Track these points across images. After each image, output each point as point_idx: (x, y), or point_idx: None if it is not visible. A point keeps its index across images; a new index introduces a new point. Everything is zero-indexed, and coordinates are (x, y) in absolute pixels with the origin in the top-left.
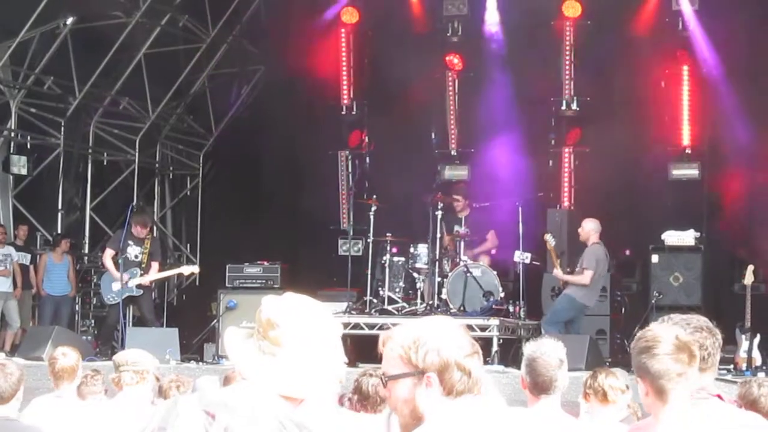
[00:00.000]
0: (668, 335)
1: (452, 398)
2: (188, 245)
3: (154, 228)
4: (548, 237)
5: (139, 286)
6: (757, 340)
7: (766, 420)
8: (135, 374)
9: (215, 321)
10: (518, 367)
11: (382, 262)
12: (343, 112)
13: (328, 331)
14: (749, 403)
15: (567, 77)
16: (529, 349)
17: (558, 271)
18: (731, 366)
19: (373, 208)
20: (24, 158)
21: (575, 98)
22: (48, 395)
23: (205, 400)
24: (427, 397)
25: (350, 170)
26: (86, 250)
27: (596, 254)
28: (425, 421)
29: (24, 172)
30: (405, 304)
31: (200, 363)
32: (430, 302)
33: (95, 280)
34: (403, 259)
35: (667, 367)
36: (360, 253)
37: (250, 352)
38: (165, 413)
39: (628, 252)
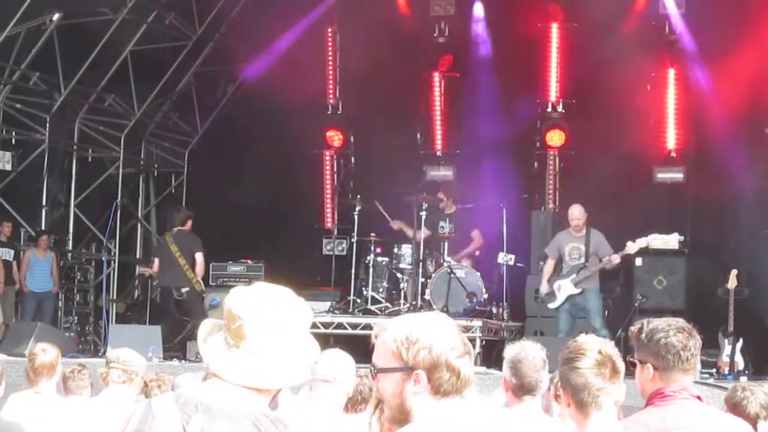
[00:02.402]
0: (592, 348)
1: (439, 398)
2: None
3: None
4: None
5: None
6: (739, 344)
7: (746, 423)
8: (123, 373)
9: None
10: (501, 369)
11: (366, 262)
12: (329, 112)
13: (294, 320)
14: (732, 405)
15: (552, 79)
16: (512, 351)
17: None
18: (714, 370)
19: (358, 208)
20: (8, 154)
21: (561, 100)
22: (27, 391)
23: (181, 400)
24: (414, 394)
25: (335, 170)
26: (70, 247)
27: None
28: (412, 419)
29: (8, 167)
30: (388, 305)
31: (183, 361)
32: (414, 303)
33: (78, 277)
34: (386, 259)
35: (586, 380)
36: (344, 253)
37: (217, 346)
38: (141, 415)
39: None
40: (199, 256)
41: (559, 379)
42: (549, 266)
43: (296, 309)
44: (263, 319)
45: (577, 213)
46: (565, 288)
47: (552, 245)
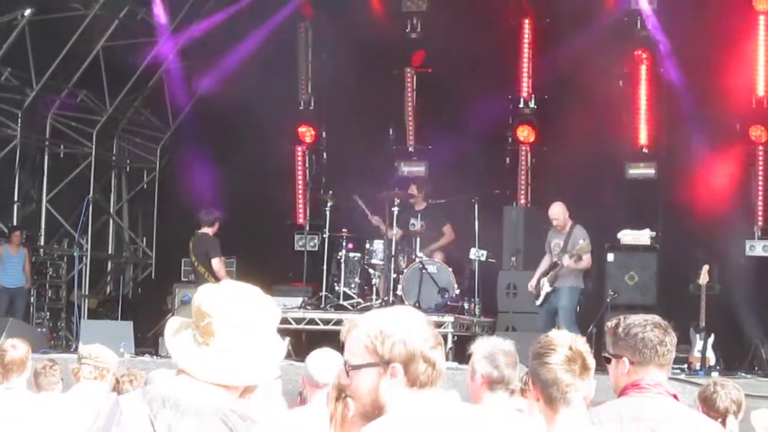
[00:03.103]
0: (562, 344)
1: (415, 390)
2: (144, 239)
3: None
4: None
5: None
6: (711, 339)
7: (717, 423)
8: (95, 369)
9: (170, 315)
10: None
11: (338, 257)
12: (301, 107)
13: (263, 318)
14: (703, 399)
15: (525, 75)
16: (488, 345)
17: (570, 261)
18: (685, 365)
19: (330, 204)
20: None
21: (533, 96)
22: None
23: (148, 396)
24: (390, 388)
25: (307, 165)
26: (42, 242)
27: (586, 234)
28: (387, 412)
29: None
30: (360, 300)
31: (155, 357)
32: (386, 298)
33: (50, 273)
34: (358, 254)
35: (555, 376)
36: (316, 249)
37: (185, 343)
38: (109, 412)
39: None
40: (215, 262)
41: (529, 374)
42: (542, 263)
43: (265, 307)
44: (233, 316)
45: (553, 212)
46: (545, 287)
47: (546, 242)
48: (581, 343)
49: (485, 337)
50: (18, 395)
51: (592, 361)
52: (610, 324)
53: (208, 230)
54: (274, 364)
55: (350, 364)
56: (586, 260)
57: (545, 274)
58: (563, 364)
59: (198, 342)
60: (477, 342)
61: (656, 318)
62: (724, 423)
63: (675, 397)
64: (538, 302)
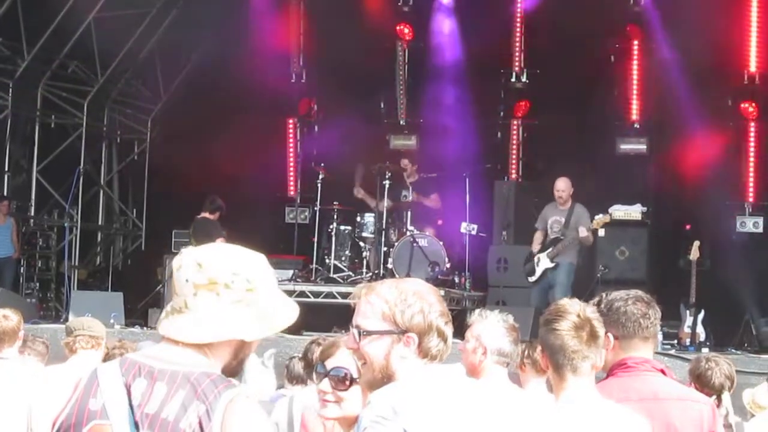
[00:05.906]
0: (571, 311)
1: (427, 361)
2: (134, 210)
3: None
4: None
5: None
6: (701, 315)
7: (706, 396)
8: (90, 338)
9: (160, 286)
10: (463, 338)
11: (329, 230)
12: (293, 80)
13: (244, 276)
14: (696, 377)
15: (517, 49)
16: (496, 321)
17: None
18: (675, 341)
19: (321, 177)
20: None
21: (525, 70)
22: None
23: (125, 365)
24: (402, 357)
25: (298, 138)
26: (32, 213)
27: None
28: (396, 379)
29: None
30: (351, 273)
31: (145, 328)
32: (376, 271)
33: (40, 243)
34: (349, 227)
35: (563, 342)
36: (307, 221)
37: (167, 309)
38: (87, 383)
39: None
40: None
41: (539, 341)
42: (536, 238)
43: (243, 265)
44: (191, 276)
45: (560, 186)
46: (543, 262)
47: (540, 217)
48: (590, 311)
49: (485, 310)
50: (11, 365)
51: (600, 329)
52: (592, 302)
53: (207, 215)
54: (253, 321)
55: (364, 329)
56: (591, 237)
57: (542, 250)
58: (570, 330)
59: (174, 307)
60: (481, 315)
61: (639, 292)
62: (719, 399)
63: (663, 372)
64: (534, 278)
